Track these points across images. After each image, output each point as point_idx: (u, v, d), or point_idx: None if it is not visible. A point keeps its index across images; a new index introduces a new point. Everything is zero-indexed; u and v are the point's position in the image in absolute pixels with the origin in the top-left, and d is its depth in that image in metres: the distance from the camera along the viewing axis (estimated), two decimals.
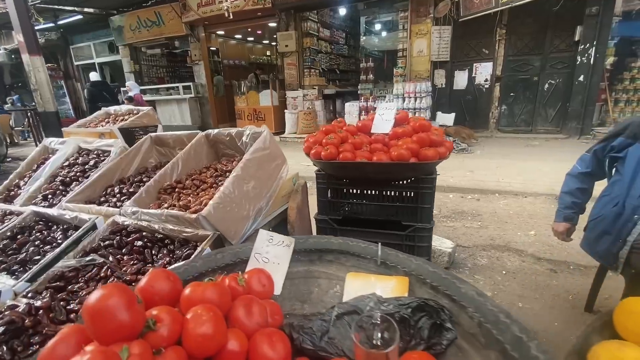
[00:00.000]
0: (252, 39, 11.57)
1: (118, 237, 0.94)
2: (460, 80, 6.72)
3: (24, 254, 0.97)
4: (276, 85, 7.98)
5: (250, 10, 7.41)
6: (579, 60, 5.68)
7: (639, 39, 6.04)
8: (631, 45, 6.07)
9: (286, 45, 7.66)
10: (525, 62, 6.21)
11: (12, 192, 1.44)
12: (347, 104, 6.79)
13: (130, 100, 8.80)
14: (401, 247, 1.49)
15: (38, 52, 5.14)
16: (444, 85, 6.75)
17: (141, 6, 9.20)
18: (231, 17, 6.06)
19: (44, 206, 1.22)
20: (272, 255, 0.79)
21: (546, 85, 6.14)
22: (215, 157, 1.41)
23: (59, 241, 1.01)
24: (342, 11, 8.64)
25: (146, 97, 10.10)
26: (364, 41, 8.12)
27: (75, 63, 11.76)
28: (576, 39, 5.64)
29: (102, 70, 11.96)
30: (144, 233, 0.94)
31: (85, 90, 10.68)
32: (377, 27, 8.23)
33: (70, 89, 11.98)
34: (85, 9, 9.27)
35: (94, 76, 8.49)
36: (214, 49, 9.67)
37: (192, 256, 0.86)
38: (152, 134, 1.55)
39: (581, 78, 5.73)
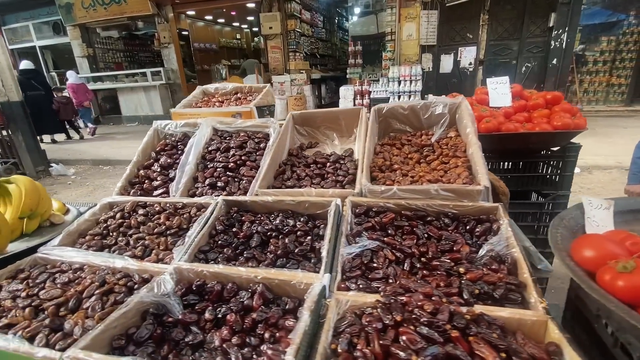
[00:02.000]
0: (222, 20, 10.85)
1: (377, 218, 0.83)
2: (446, 64, 7.01)
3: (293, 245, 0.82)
4: (261, 69, 7.63)
5: None
6: (553, 45, 6.23)
7: (600, 25, 6.77)
8: (594, 31, 6.79)
9: (270, 27, 7.32)
10: (505, 46, 6.66)
11: (146, 185, 1.22)
12: (341, 88, 6.74)
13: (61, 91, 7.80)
14: (541, 215, 1.56)
15: None
16: (430, 69, 6.98)
17: None
18: None
19: (227, 194, 1.06)
20: (598, 218, 0.79)
21: (523, 68, 6.66)
22: (383, 133, 1.29)
23: (307, 228, 0.88)
24: None
25: (105, 85, 9.10)
26: (351, 24, 8.04)
27: (10, 47, 10.07)
28: (550, 24, 6.16)
29: (43, 55, 10.45)
30: (403, 211, 0.85)
31: (18, 79, 9.31)
32: (362, 10, 8.18)
33: None
34: None
35: (24, 64, 7.77)
36: (184, 32, 8.94)
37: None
38: (294, 113, 1.41)
39: (554, 61, 6.31)
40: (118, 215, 1.04)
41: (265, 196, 1.00)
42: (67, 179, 4.87)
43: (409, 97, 6.36)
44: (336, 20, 10.83)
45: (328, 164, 1.18)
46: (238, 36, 11.90)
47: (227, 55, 10.84)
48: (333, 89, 9.30)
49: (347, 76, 7.43)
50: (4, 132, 4.92)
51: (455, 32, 6.82)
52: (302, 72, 7.53)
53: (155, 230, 0.97)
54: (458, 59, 6.92)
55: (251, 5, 8.23)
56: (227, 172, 1.16)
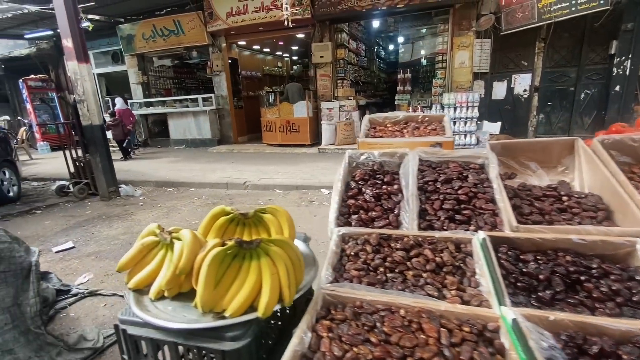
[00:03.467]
0: (267, 50, 11.34)
1: None
2: (499, 90, 6.97)
3: None
4: (310, 96, 7.82)
5: (284, 20, 7.27)
6: (615, 72, 6.11)
7: None
8: None
9: (321, 56, 7.57)
10: (562, 73, 6.58)
11: (363, 215, 1.17)
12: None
13: (112, 115, 8.59)
14: None
15: (86, 60, 4.62)
16: (482, 95, 6.95)
17: (154, 14, 8.72)
18: (290, 25, 5.87)
19: (475, 229, 1.00)
20: None
21: (582, 95, 6.53)
22: None
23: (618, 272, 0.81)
24: (375, 24, 8.71)
25: (157, 110, 9.53)
26: (402, 52, 8.22)
27: (69, 73, 10.81)
28: (612, 52, 6.08)
29: (98, 82, 11.13)
30: None
31: (71, 105, 9.98)
32: (411, 38, 8.37)
33: (61, 102, 10.96)
34: (90, 16, 8.62)
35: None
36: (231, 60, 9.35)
37: None
38: (493, 143, 1.36)
39: (617, 88, 6.16)
40: (369, 249, 0.99)
41: (540, 233, 0.94)
42: (137, 200, 4.98)
43: (465, 123, 6.32)
44: (375, 49, 11.12)
45: (564, 197, 1.11)
46: (279, 64, 12.38)
47: (269, 82, 11.22)
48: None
49: (396, 102, 7.48)
50: (79, 153, 5.17)
51: (509, 59, 6.82)
52: (350, 99, 7.66)
53: (427, 266, 0.91)
54: (512, 85, 6.88)
55: (300, 35, 8.59)
56: (461, 205, 1.10)
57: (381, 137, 2.05)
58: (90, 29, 4.73)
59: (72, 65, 4.53)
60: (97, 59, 10.38)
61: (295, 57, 13.00)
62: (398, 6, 6.38)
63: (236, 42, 9.09)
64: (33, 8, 6.60)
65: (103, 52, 10.16)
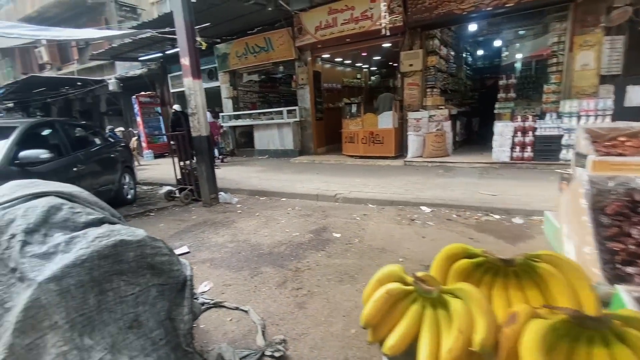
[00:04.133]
0: (348, 61, 11.40)
1: None
2: (635, 96, 5.78)
3: None
4: (397, 106, 7.48)
5: (375, 30, 7.11)
6: None
7: None
8: None
9: (410, 65, 7.21)
10: None
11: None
12: (499, 124, 6.06)
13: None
14: None
15: (199, 76, 5.01)
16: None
17: (246, 34, 9.33)
18: (388, 33, 5.71)
19: None
20: None
21: None
22: None
23: None
24: (472, 27, 8.11)
25: (245, 122, 10.10)
26: (505, 56, 7.49)
27: (171, 90, 12.22)
28: None
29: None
30: None
31: (170, 118, 11.15)
32: (511, 41, 7.57)
33: (164, 115, 12.39)
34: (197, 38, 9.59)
35: (176, 107, 9.78)
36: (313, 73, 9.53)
37: None
38: None
39: None
40: None
41: None
42: (234, 207, 5.17)
43: None
44: (463, 55, 10.35)
45: None
46: (358, 75, 12.33)
47: (348, 94, 11.20)
48: (463, 124, 8.64)
49: (496, 111, 6.72)
50: (186, 162, 5.60)
51: None
52: (441, 108, 7.12)
53: None
54: None
55: (386, 45, 8.36)
56: None
57: (620, 154, 1.54)
58: (203, 48, 5.11)
59: (187, 82, 4.93)
60: None
61: (374, 68, 12.82)
62: (507, 5, 5.74)
63: (320, 56, 9.24)
64: (149, 34, 7.52)
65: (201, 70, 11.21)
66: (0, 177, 3.05)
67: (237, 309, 2.32)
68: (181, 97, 12.48)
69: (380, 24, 5.60)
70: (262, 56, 9.17)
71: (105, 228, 1.42)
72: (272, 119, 9.55)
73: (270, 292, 2.57)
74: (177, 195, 5.66)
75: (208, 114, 10.61)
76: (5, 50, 17.29)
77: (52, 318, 1.15)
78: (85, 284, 1.26)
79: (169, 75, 12.06)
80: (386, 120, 7.34)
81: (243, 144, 10.88)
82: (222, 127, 10.52)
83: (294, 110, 9.11)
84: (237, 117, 10.34)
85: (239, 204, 5.36)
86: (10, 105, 16.30)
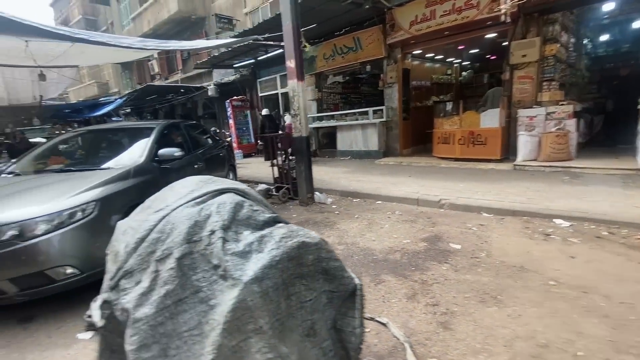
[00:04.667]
0: (440, 57, 10.72)
1: None
2: None
3: None
4: (504, 103, 6.66)
5: (480, 19, 6.44)
6: None
7: None
8: None
9: (523, 55, 6.35)
10: None
11: None
12: None
13: (283, 129, 10.08)
14: None
15: (303, 78, 5.10)
16: None
17: (333, 35, 9.36)
18: (509, 20, 5.12)
19: None
20: None
21: None
22: None
23: None
24: (609, 6, 6.87)
25: (329, 123, 10.16)
26: None
27: (260, 94, 12.98)
28: None
29: (278, 101, 12.93)
30: None
31: (259, 121, 11.77)
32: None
33: (252, 118, 13.23)
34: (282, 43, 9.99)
35: (265, 111, 10.86)
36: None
37: None
38: None
39: None
40: None
41: None
42: (330, 208, 5.12)
43: None
44: (583, 42, 8.84)
45: None
46: (449, 71, 11.50)
47: (436, 92, 10.49)
48: (588, 122, 7.32)
49: None
50: (284, 161, 5.75)
51: None
52: (563, 103, 6.11)
53: None
54: None
55: (490, 35, 7.55)
56: None
57: None
58: (307, 50, 5.20)
59: (291, 84, 5.05)
60: (283, 80, 12.01)
61: (466, 63, 11.82)
62: None
63: (411, 52, 8.81)
64: (250, 40, 8.02)
65: (286, 75, 11.65)
66: (145, 172, 3.43)
67: (372, 319, 2.17)
68: (268, 101, 13.24)
69: (500, 10, 4.98)
70: (350, 56, 9.10)
71: (285, 228, 1.36)
72: (357, 119, 9.41)
73: (402, 304, 2.36)
74: (275, 193, 5.86)
75: (289, 117, 11.14)
76: (125, 65, 20.48)
77: (257, 322, 1.10)
78: (278, 286, 1.20)
79: (258, 80, 12.82)
80: (491, 119, 6.59)
81: (325, 144, 10.98)
82: None
83: (380, 110, 8.83)
84: (320, 118, 10.46)
85: (333, 205, 5.31)
86: (128, 110, 19.28)
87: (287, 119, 10.53)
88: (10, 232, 2.32)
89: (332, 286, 1.43)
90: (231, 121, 12.87)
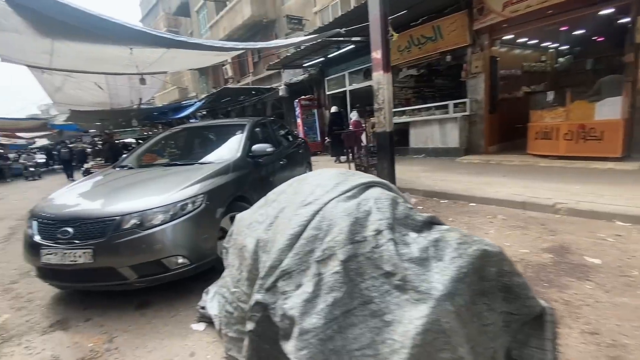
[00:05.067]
0: (534, 42, 9.51)
1: None
2: None
3: None
4: (628, 90, 5.54)
5: None
6: None
7: None
8: None
9: None
10: None
11: None
12: None
13: (348, 127, 10.02)
14: None
15: (389, 69, 4.80)
16: None
17: (409, 26, 8.82)
18: None
19: None
20: None
21: None
22: None
23: None
24: None
25: (399, 119, 9.65)
26: None
27: (327, 93, 12.94)
28: None
29: (345, 97, 12.75)
30: None
31: (328, 119, 11.64)
32: None
33: (319, 116, 13.25)
34: (354, 38, 9.76)
35: (333, 109, 10.84)
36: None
37: None
38: None
39: None
40: None
41: None
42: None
43: None
44: None
45: None
46: (543, 57, 10.15)
47: (528, 81, 9.29)
48: None
49: None
50: (362, 158, 5.50)
51: None
52: None
53: None
54: None
55: (605, 11, 6.37)
56: None
57: None
58: (394, 39, 4.88)
59: (376, 76, 4.78)
60: (351, 77, 11.80)
61: (564, 47, 10.28)
62: None
63: (501, 37, 7.88)
64: (326, 34, 7.94)
65: (356, 71, 11.41)
66: (241, 166, 3.46)
67: None
68: (335, 99, 13.13)
69: None
70: (428, 47, 8.50)
71: (456, 232, 1.10)
72: (433, 114, 8.76)
73: None
74: None
75: (355, 114, 10.90)
76: (202, 70, 22.24)
77: (456, 350, 0.86)
78: (468, 305, 0.95)
79: (326, 78, 12.79)
80: (610, 109, 5.52)
81: (395, 142, 10.45)
82: (365, 125, 10.57)
83: (462, 103, 8.08)
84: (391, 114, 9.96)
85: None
86: (204, 112, 20.89)
87: (353, 115, 10.38)
88: (133, 221, 2.44)
89: (512, 307, 1.13)
90: (299, 120, 13.05)
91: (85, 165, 14.18)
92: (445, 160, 8.08)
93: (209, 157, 3.56)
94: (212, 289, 2.35)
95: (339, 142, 10.28)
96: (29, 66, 8.54)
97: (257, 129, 4.29)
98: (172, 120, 18.52)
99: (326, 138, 12.57)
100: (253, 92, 15.59)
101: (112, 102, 12.76)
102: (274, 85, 14.84)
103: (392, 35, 4.84)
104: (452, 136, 8.40)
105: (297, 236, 1.10)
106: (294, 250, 1.07)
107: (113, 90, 12.02)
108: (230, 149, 3.68)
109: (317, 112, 13.23)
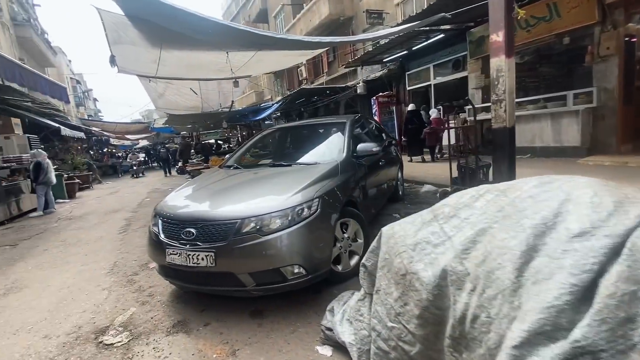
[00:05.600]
0: None
1: None
2: None
3: None
4: None
5: None
6: None
7: None
8: None
9: None
10: None
11: None
12: None
13: (429, 124, 9.51)
14: None
15: (512, 54, 4.07)
16: None
17: (512, 7, 7.64)
18: None
19: None
20: None
21: None
22: None
23: None
24: None
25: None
26: None
27: (408, 88, 12.18)
28: None
29: (428, 92, 11.84)
30: None
31: (405, 117, 10.86)
32: None
33: (398, 114, 12.56)
34: (443, 27, 8.89)
35: (411, 106, 10.31)
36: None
37: None
38: None
39: None
40: None
41: None
42: None
43: None
44: None
45: None
46: None
47: None
48: None
49: None
50: (467, 159, 4.81)
51: None
52: None
53: None
54: None
55: None
56: None
57: None
58: (519, 17, 4.13)
59: (496, 62, 4.08)
60: (437, 70, 10.88)
61: None
62: None
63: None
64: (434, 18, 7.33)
65: (443, 63, 10.47)
66: (348, 168, 3.17)
67: None
68: (416, 94, 12.32)
69: None
70: (539, 29, 7.30)
71: None
72: (545, 106, 7.49)
73: None
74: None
75: (435, 111, 10.02)
76: (277, 73, 23.11)
77: None
78: None
79: (407, 73, 12.05)
80: None
81: (490, 140, 9.28)
82: (453, 122, 9.66)
83: (587, 93, 6.72)
84: (487, 109, 8.86)
85: None
86: (278, 114, 21.66)
87: (433, 113, 9.77)
88: (252, 225, 2.30)
89: None
90: (376, 118, 12.53)
91: (179, 164, 15.71)
92: (561, 162, 6.82)
93: (311, 158, 3.35)
94: (338, 308, 2.07)
95: (415, 141, 9.75)
96: (139, 76, 9.63)
97: (357, 127, 3.98)
98: (251, 122, 19.54)
99: (402, 137, 11.88)
100: (327, 92, 15.53)
101: (203, 105, 13.85)
102: (349, 84, 14.57)
103: (518, 12, 4.08)
104: (569, 133, 7.06)
105: (587, 288, 0.69)
106: (594, 315, 0.66)
107: (204, 94, 13.01)
108: (333, 149, 3.43)
109: (396, 109, 12.56)
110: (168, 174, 16.40)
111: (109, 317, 2.66)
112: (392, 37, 7.42)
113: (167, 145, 22.11)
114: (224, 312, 2.51)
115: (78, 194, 11.37)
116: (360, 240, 2.94)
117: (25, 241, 5.62)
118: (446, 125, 9.65)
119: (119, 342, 2.30)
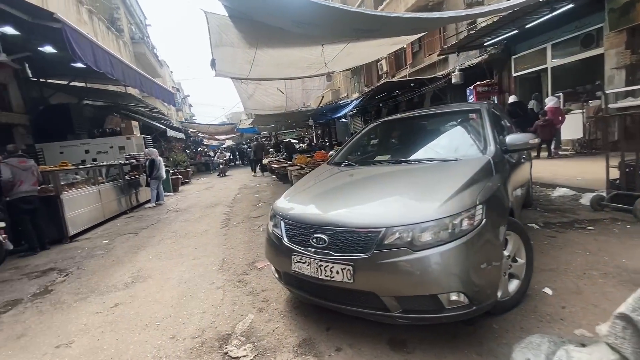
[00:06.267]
0: None
1: None
2: None
3: None
4: None
5: None
6: None
7: None
8: None
9: None
10: None
11: None
12: None
13: (544, 114, 7.83)
14: None
15: None
16: None
17: None
18: None
19: None
20: None
21: None
22: None
23: None
24: None
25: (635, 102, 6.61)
26: None
27: (514, 74, 10.52)
28: None
29: (542, 78, 10.03)
30: None
31: (506, 109, 9.23)
32: None
33: (500, 104, 10.95)
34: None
35: (512, 98, 9.21)
36: None
37: None
38: None
39: None
40: None
41: None
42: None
43: None
44: None
45: None
46: None
47: None
48: None
49: None
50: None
51: None
52: None
53: None
54: None
55: None
56: None
57: None
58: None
59: None
60: (554, 50, 9.11)
61: None
62: None
63: None
64: None
65: (567, 40, 8.68)
66: (501, 164, 2.50)
67: None
68: (524, 81, 10.58)
69: None
70: None
71: None
72: None
73: None
74: (611, 203, 3.86)
75: (553, 99, 8.31)
76: (355, 70, 22.62)
77: None
78: None
79: (513, 57, 10.41)
80: None
81: (632, 135, 7.33)
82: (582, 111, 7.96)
83: None
84: (634, 93, 6.99)
85: None
86: (355, 111, 21.17)
87: (550, 101, 8.15)
88: (399, 236, 1.83)
89: None
90: None
91: (264, 161, 16.37)
92: None
93: (447, 153, 2.75)
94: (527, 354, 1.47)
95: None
96: (233, 78, 10.13)
97: (493, 115, 3.23)
98: (328, 120, 19.46)
99: None
100: (412, 85, 14.47)
101: (287, 104, 14.15)
102: (438, 74, 13.31)
103: None
104: None
105: None
106: None
107: (289, 93, 13.25)
108: (471, 142, 2.79)
109: (497, 99, 10.99)
110: (254, 172, 17.29)
111: (229, 323, 2.49)
112: (516, 8, 6.27)
113: (252, 144, 23.50)
114: (355, 336, 2.12)
115: (180, 188, 12.61)
116: (522, 260, 2.26)
117: (144, 230, 6.20)
118: (563, 119, 8.09)
119: (244, 356, 2.07)
